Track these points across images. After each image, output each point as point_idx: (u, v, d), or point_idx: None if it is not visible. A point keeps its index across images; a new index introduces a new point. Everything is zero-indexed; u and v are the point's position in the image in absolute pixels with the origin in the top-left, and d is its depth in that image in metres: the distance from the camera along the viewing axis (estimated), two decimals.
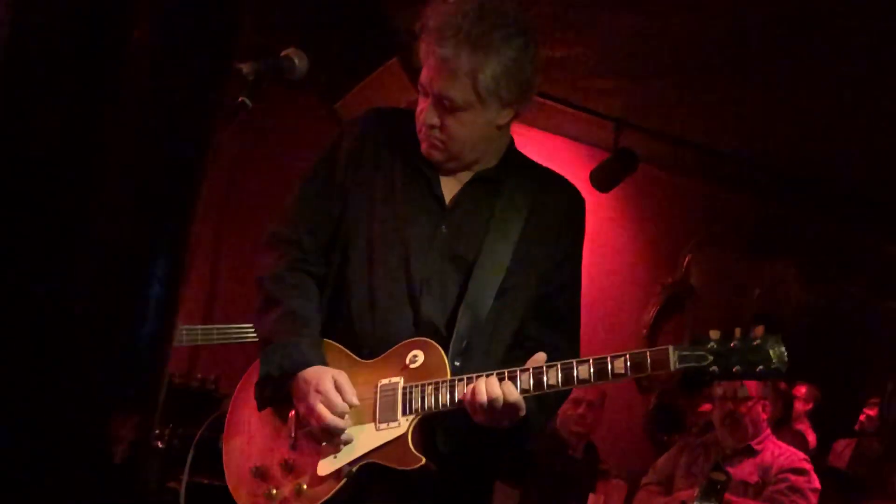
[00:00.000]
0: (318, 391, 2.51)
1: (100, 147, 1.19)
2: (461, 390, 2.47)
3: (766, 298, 8.82)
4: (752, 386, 5.29)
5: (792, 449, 5.32)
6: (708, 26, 5.54)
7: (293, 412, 2.60)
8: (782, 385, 7.64)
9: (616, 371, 2.40)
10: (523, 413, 2.45)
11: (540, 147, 8.07)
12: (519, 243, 2.65)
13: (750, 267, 8.78)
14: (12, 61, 1.20)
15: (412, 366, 2.54)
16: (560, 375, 2.43)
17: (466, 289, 2.59)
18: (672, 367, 2.39)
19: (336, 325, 2.66)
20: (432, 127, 2.58)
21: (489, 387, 2.42)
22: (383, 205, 2.66)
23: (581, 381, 2.43)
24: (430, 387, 2.50)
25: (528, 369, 2.45)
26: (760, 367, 2.38)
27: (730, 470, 5.12)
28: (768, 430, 5.32)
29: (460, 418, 2.48)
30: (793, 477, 5.07)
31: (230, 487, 2.67)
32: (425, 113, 2.57)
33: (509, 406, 2.42)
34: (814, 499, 5.08)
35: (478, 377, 2.45)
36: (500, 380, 2.44)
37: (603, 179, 7.36)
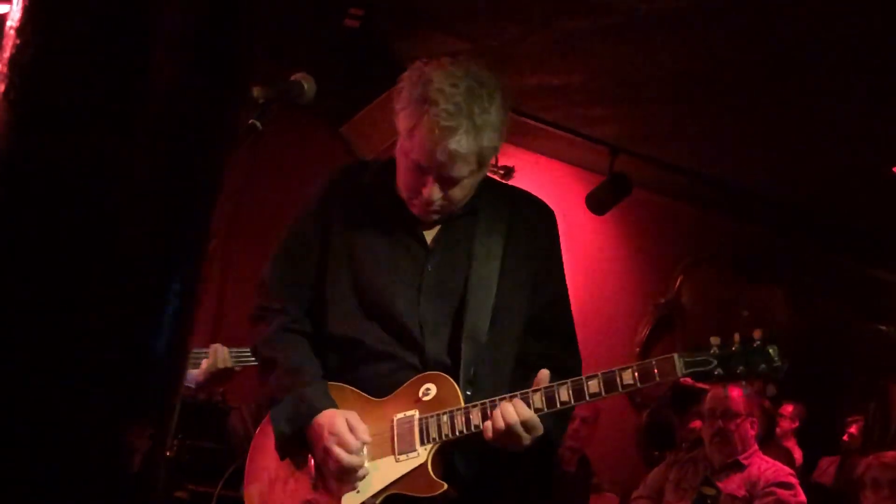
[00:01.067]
0: (331, 433, 2.51)
1: (121, 171, 1.19)
2: (476, 416, 2.47)
3: (754, 319, 8.81)
4: (740, 403, 5.28)
5: (778, 464, 5.31)
6: (700, 58, 5.56)
7: (310, 455, 2.60)
8: (766, 403, 7.63)
9: (625, 382, 2.43)
10: (541, 431, 2.46)
11: (538, 170, 8.09)
12: (503, 265, 2.66)
13: (739, 288, 8.79)
14: (33, 87, 1.20)
15: (425, 398, 2.54)
16: (571, 391, 2.44)
17: (463, 320, 2.59)
18: (679, 374, 2.44)
19: (342, 376, 2.65)
20: (435, 200, 2.58)
21: (505, 414, 2.42)
22: (367, 254, 2.66)
23: (592, 396, 2.44)
24: (445, 416, 2.50)
25: (539, 389, 2.45)
26: (763, 366, 2.43)
27: (718, 484, 5.11)
28: (755, 446, 5.31)
29: (478, 443, 2.48)
30: (779, 491, 5.06)
31: None
32: (430, 192, 2.55)
33: (527, 425, 2.43)
34: None
35: (491, 402, 2.46)
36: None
37: (598, 203, 7.38)
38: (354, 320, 2.62)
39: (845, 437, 8.60)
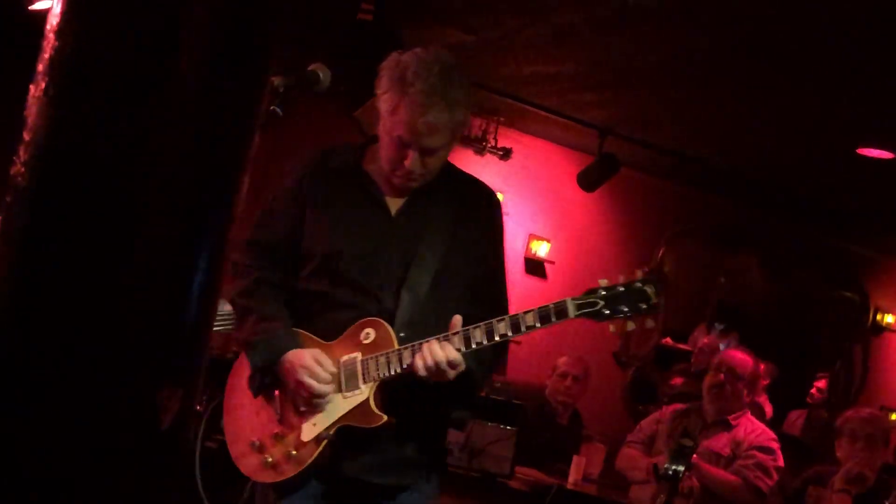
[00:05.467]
0: (302, 366, 2.66)
1: (152, 158, 1.20)
2: (407, 357, 2.62)
3: (730, 286, 8.82)
4: (746, 368, 5.23)
5: (763, 427, 5.24)
6: (681, 48, 5.54)
7: (277, 392, 2.75)
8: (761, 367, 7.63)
9: (528, 324, 2.59)
10: (463, 367, 2.61)
11: (533, 151, 8.08)
12: (452, 238, 2.78)
13: (716, 258, 8.79)
14: (71, 84, 1.20)
15: (365, 342, 2.69)
16: (484, 333, 2.60)
17: (407, 275, 2.73)
18: (572, 315, 2.60)
19: (308, 323, 2.78)
20: (416, 170, 2.70)
21: (433, 352, 2.58)
22: (338, 222, 2.78)
23: (501, 336, 2.60)
24: (382, 357, 2.66)
25: (458, 332, 2.61)
26: (642, 304, 2.59)
27: (705, 441, 5.09)
28: (747, 411, 5.26)
29: (412, 379, 2.63)
30: (760, 455, 5.01)
31: (233, 458, 2.80)
32: (411, 163, 2.68)
33: (451, 363, 2.58)
34: (776, 476, 5.04)
35: (419, 344, 2.61)
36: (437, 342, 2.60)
37: (588, 181, 7.37)
38: (324, 277, 2.75)
39: (813, 393, 8.63)
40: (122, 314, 1.18)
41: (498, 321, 2.60)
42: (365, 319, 2.70)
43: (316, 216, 2.78)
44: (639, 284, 2.60)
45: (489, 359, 2.78)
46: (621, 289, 2.60)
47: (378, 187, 2.80)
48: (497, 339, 2.60)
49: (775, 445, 5.11)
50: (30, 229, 1.17)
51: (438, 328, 2.67)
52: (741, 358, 5.34)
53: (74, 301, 1.16)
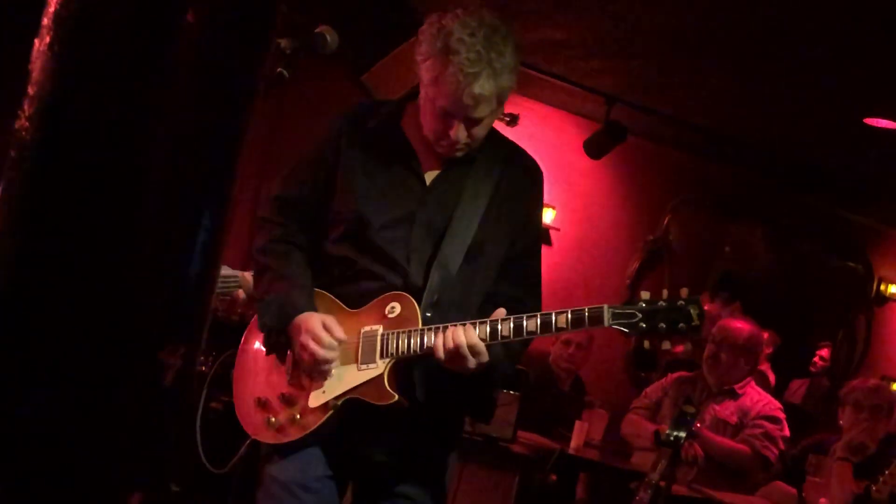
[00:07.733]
0: (307, 331, 2.56)
1: (155, 117, 1.19)
2: (430, 338, 2.51)
3: (734, 255, 8.81)
4: (741, 337, 5.20)
5: (769, 397, 5.25)
6: (690, 15, 5.50)
7: (290, 353, 2.65)
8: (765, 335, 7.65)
9: (559, 325, 2.45)
10: (485, 358, 2.49)
11: (540, 118, 8.05)
12: (487, 211, 2.65)
13: (721, 227, 8.77)
14: (76, 39, 1.20)
15: (390, 316, 2.57)
16: (512, 327, 2.47)
17: (439, 251, 2.61)
18: (606, 324, 2.42)
19: (331, 288, 2.69)
20: (461, 140, 2.59)
21: (454, 335, 2.46)
22: (371, 188, 2.65)
23: (529, 333, 2.46)
24: (403, 335, 2.54)
25: (485, 321, 2.49)
26: (682, 324, 2.40)
27: (715, 408, 5.10)
28: (750, 379, 5.25)
29: (431, 362, 2.52)
30: (767, 424, 5.03)
31: (238, 414, 2.73)
32: (457, 133, 2.55)
33: (472, 349, 2.46)
34: (782, 445, 5.06)
35: (444, 326, 2.50)
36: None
37: (595, 148, 7.35)
38: (351, 244, 2.65)
39: (815, 361, 8.66)
40: (125, 270, 1.18)
41: (528, 317, 2.46)
42: (392, 293, 2.58)
43: (347, 178, 2.66)
44: (682, 303, 2.41)
45: (518, 350, 2.67)
46: (662, 304, 2.42)
47: (414, 152, 2.67)
48: (524, 336, 2.47)
49: (782, 415, 5.12)
50: (34, 183, 1.16)
51: (466, 309, 2.59)
52: (736, 326, 5.31)
53: (77, 256, 1.16)
